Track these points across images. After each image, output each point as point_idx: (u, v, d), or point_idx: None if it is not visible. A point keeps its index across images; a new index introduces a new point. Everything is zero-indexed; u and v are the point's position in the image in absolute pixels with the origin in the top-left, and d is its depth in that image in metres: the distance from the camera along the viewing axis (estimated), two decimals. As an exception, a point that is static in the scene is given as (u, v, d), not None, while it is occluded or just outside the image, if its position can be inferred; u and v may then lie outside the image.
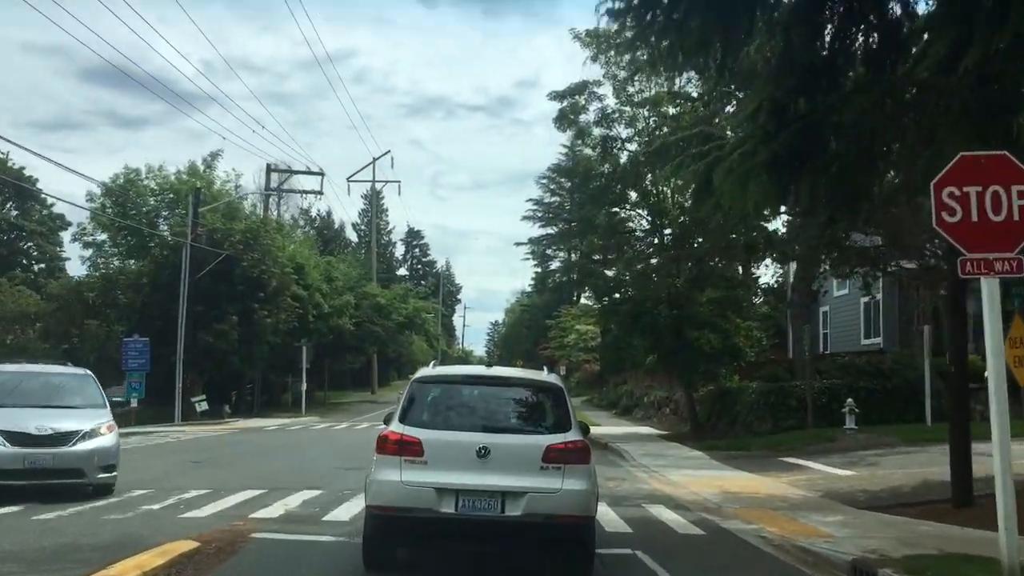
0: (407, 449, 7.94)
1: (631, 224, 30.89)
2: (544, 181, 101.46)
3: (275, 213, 59.82)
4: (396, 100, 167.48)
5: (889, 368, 26.02)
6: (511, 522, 7.84)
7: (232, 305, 37.40)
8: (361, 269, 67.69)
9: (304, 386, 42.59)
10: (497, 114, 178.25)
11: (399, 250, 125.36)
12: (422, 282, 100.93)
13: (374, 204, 70.52)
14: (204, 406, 37.18)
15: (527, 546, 8.29)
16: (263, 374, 46.47)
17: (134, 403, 35.29)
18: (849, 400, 23.74)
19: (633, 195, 30.48)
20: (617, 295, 30.59)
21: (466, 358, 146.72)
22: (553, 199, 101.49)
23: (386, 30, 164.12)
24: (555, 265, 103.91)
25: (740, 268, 30.92)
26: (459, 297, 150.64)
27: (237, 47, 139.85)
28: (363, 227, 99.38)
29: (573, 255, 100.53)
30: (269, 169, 45.60)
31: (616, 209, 30.70)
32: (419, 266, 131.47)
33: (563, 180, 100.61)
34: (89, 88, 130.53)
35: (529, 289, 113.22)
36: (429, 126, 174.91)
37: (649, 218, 30.63)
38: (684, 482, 16.83)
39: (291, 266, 40.54)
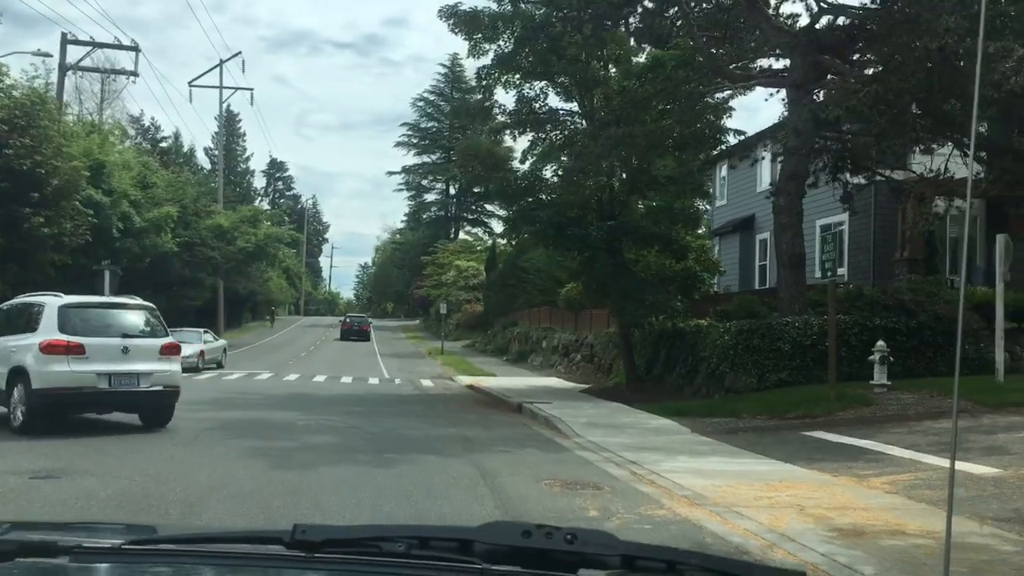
0: (73, 350, 11.85)
1: (550, 102, 22.27)
2: (420, 104, 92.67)
3: (90, 115, 48.34)
4: (258, 32, 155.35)
5: (913, 301, 18.57)
6: (144, 392, 12.58)
7: (-9, 208, 26.92)
8: (205, 190, 56.93)
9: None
10: (366, 53, 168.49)
11: (260, 181, 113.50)
12: (286, 219, 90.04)
13: (222, 112, 59.61)
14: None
15: (153, 404, 12.86)
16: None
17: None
18: (879, 344, 16.15)
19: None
20: (530, 199, 22.05)
21: (333, 300, 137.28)
22: (430, 124, 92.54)
23: None
24: (431, 197, 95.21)
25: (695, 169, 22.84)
26: (326, 237, 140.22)
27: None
28: (217, 152, 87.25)
29: (452, 187, 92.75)
30: (65, 40, 34.65)
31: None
32: (281, 200, 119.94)
33: (442, 103, 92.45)
34: None
35: (402, 225, 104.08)
36: (294, 62, 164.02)
37: (577, 95, 22.10)
38: (718, 494, 8.54)
39: (85, 163, 30.13)
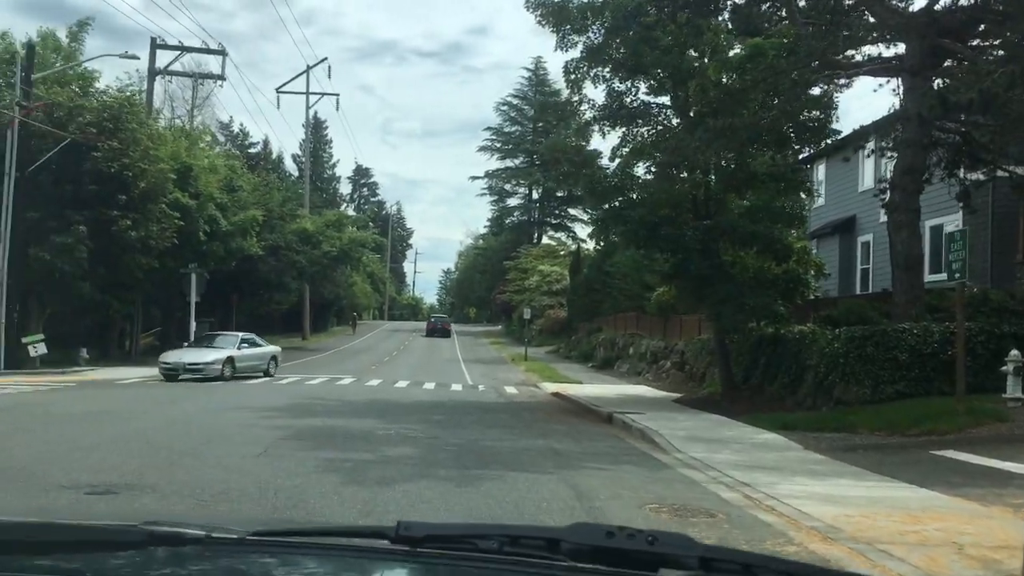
0: None
1: (642, 94, 21.09)
2: (504, 108, 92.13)
3: (180, 121, 48.99)
4: (345, 44, 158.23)
5: (1045, 305, 16.86)
6: None
7: (80, 211, 27.07)
8: (291, 195, 57.30)
9: (193, 326, 32.47)
10: (449, 61, 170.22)
11: (346, 188, 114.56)
12: (370, 224, 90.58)
13: (308, 117, 59.99)
14: (41, 349, 27.02)
15: None
16: (145, 309, 36.21)
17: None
18: (1013, 353, 14.56)
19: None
20: (621, 199, 20.90)
21: (416, 305, 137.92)
22: (513, 129, 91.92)
23: None
24: (514, 202, 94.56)
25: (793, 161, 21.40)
26: (410, 243, 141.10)
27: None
28: (304, 159, 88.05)
29: (535, 191, 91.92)
30: (154, 45, 34.92)
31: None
32: (367, 206, 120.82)
33: (525, 107, 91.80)
34: (25, 22, 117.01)
35: (484, 230, 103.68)
36: (379, 72, 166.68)
37: (670, 87, 20.88)
38: (854, 526, 7.31)
39: (172, 166, 30.17)
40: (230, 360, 26.48)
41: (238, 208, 35.15)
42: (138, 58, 27.20)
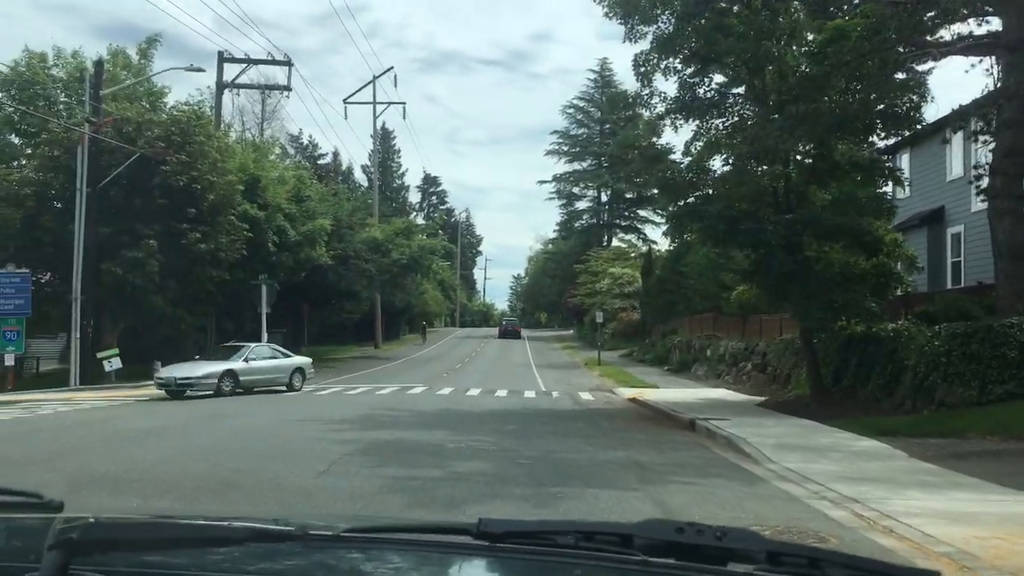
0: None
1: (716, 84, 20.11)
2: (570, 111, 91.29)
3: (250, 134, 49.38)
4: (410, 55, 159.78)
5: None
6: None
7: (151, 225, 27.14)
8: (361, 204, 57.40)
9: (265, 337, 32.40)
10: (513, 68, 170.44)
11: (414, 196, 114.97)
12: (440, 231, 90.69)
13: (375, 126, 60.17)
14: (115, 364, 27.14)
15: None
16: (217, 322, 36.33)
17: (9, 360, 25.32)
18: None
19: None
20: (696, 195, 19.93)
21: (487, 312, 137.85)
22: (580, 131, 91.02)
23: None
24: (583, 205, 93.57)
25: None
26: (480, 249, 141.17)
27: (248, 4, 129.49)
28: (372, 168, 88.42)
29: (603, 194, 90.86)
30: (221, 59, 35.05)
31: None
32: (436, 214, 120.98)
33: (592, 109, 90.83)
34: (98, 43, 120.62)
35: (554, 235, 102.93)
36: (444, 81, 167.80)
37: (745, 76, 19.87)
38: (991, 552, 6.32)
39: (240, 178, 30.13)
40: (230, 374, 23.90)
41: (306, 218, 35.04)
42: (203, 70, 27.29)
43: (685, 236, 21.40)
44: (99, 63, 27.44)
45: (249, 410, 18.84)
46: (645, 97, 20.46)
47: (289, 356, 27.04)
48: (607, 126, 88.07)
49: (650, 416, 19.35)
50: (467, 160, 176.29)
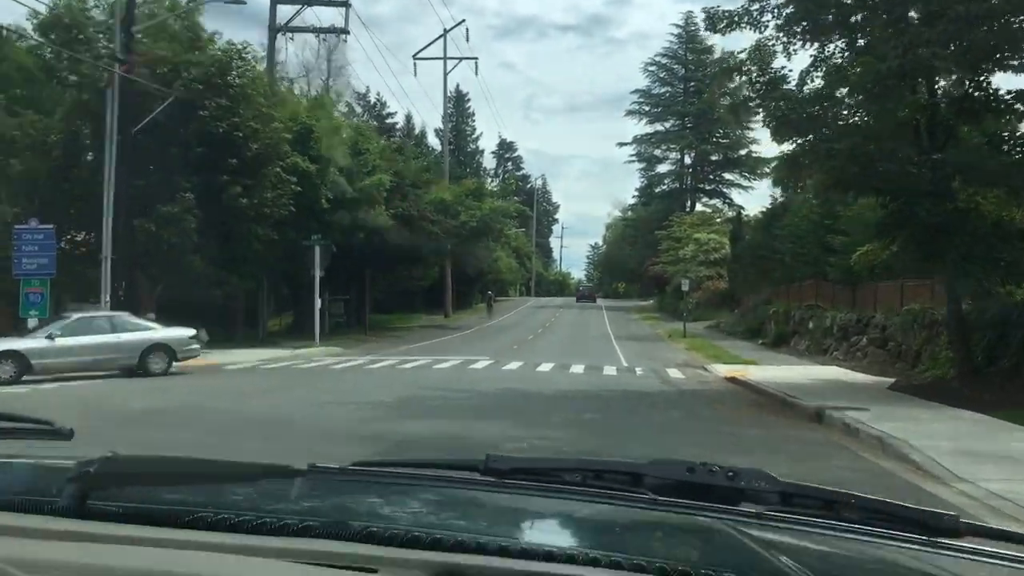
0: None
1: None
2: (652, 69, 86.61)
3: (307, 89, 46.59)
4: (486, 22, 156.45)
5: None
6: None
7: (188, 177, 24.42)
8: (432, 166, 54.44)
9: (318, 303, 29.67)
10: (590, 33, 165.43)
11: (489, 162, 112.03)
12: (515, 198, 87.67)
13: (445, 82, 57.08)
14: (153, 331, 24.53)
15: None
16: (272, 285, 33.71)
17: (33, 324, 22.90)
18: None
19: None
20: (824, 131, 16.08)
21: (563, 281, 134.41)
22: (663, 90, 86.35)
23: None
24: (664, 168, 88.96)
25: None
26: (556, 218, 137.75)
27: None
28: (444, 129, 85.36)
29: (687, 156, 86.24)
30: (274, 1, 32.15)
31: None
32: (511, 181, 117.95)
33: (675, 67, 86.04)
34: None
35: (633, 201, 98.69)
36: (520, 48, 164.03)
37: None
38: None
39: (288, 126, 27.20)
40: (14, 356, 18.25)
41: (365, 174, 32.00)
42: (244, 2, 24.31)
43: (801, 184, 17.64)
44: (129, -6, 24.65)
45: (273, 387, 15.93)
46: (755, 13, 16.68)
47: (150, 328, 20.65)
48: (692, 84, 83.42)
49: (759, 402, 15.77)
50: (543, 128, 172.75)
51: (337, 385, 16.64)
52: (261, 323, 33.19)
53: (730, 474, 1.46)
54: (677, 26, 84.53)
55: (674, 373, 22.23)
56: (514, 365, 23.29)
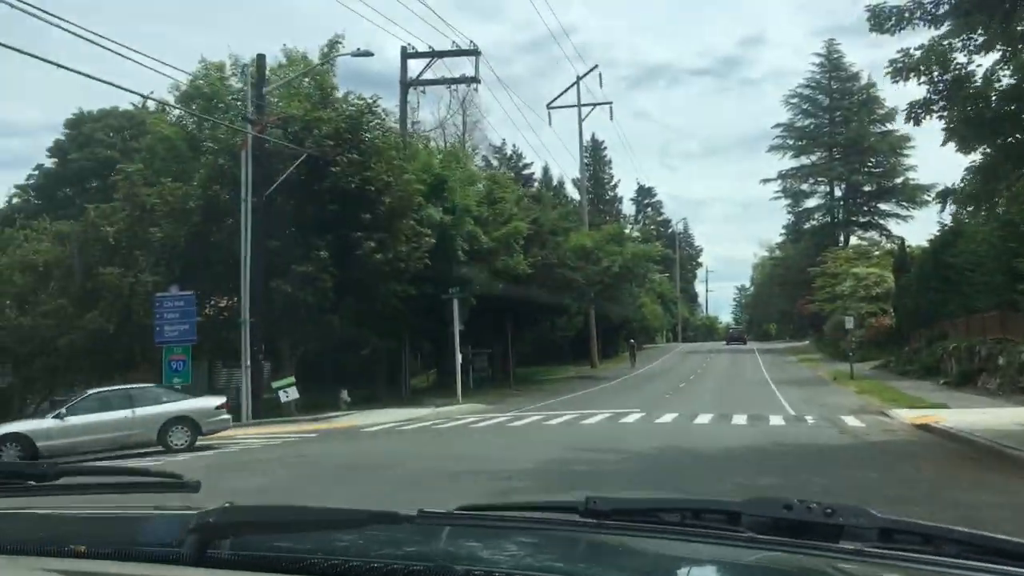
0: None
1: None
2: (794, 101, 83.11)
3: (442, 145, 46.41)
4: (619, 72, 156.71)
5: None
6: None
7: (323, 236, 23.92)
8: (569, 211, 53.30)
9: (459, 358, 28.60)
10: (724, 76, 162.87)
11: (628, 209, 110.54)
12: (654, 237, 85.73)
13: (581, 130, 56.12)
14: (292, 394, 24.08)
15: None
16: (415, 343, 32.97)
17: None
18: None
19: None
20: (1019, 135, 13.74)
21: (710, 325, 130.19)
22: (807, 122, 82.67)
23: (601, 2, 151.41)
24: (812, 203, 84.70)
25: None
26: (699, 261, 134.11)
27: (462, 37, 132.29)
28: (581, 177, 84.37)
29: (837, 188, 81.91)
30: (405, 54, 31.88)
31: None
32: (652, 227, 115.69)
33: (819, 97, 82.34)
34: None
35: (780, 239, 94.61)
36: (653, 95, 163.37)
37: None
38: None
39: (421, 179, 26.47)
40: (18, 439, 17.09)
41: (500, 223, 30.94)
42: (371, 54, 23.80)
43: (998, 198, 15.17)
44: (260, 57, 24.66)
45: (396, 452, 14.64)
46: (928, 5, 14.58)
47: (176, 400, 19.09)
48: (838, 113, 79.58)
49: (967, 454, 13.34)
50: (680, 174, 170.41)
51: (475, 448, 15.22)
52: (404, 381, 32.40)
53: (828, 511, 1.46)
54: (819, 55, 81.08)
55: (851, 421, 19.75)
56: (668, 417, 21.35)
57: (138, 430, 18.11)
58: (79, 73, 18.17)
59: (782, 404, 25.80)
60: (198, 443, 18.32)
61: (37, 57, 16.71)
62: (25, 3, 15.12)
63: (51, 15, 15.90)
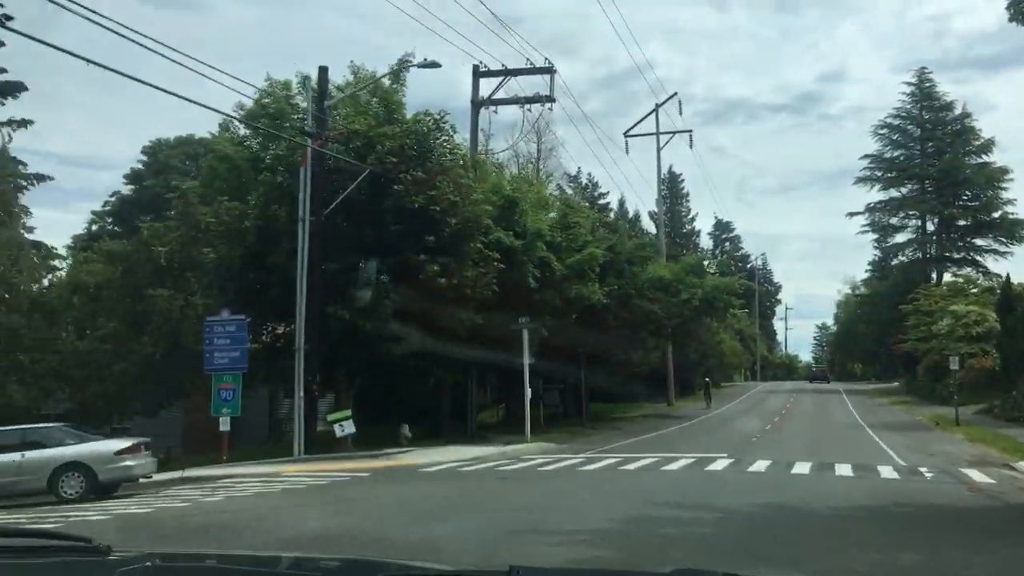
0: None
1: None
2: (883, 131, 79.52)
3: (516, 172, 44.84)
4: (696, 108, 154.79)
5: None
6: None
7: (384, 258, 22.33)
8: (647, 242, 51.21)
9: (528, 392, 26.66)
10: (802, 112, 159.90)
11: (705, 243, 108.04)
12: (733, 269, 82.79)
13: (659, 157, 54.10)
14: (348, 428, 22.42)
15: None
16: (478, 374, 31.14)
17: (224, 425, 21.27)
18: None
19: None
20: None
21: (790, 364, 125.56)
22: (897, 153, 78.94)
23: (680, 39, 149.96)
24: (902, 238, 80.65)
25: None
26: (779, 298, 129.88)
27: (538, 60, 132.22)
28: (658, 210, 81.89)
29: (929, 222, 77.85)
30: (477, 73, 30.44)
31: None
32: (730, 261, 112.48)
33: (910, 127, 78.65)
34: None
35: (865, 275, 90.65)
36: (731, 131, 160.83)
37: None
38: None
39: (490, 200, 24.78)
40: None
41: (574, 250, 29.04)
42: (439, 65, 22.31)
43: None
44: (323, 69, 23.33)
45: (442, 503, 12.72)
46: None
47: (75, 444, 17.02)
48: (930, 144, 75.88)
49: None
50: (758, 210, 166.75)
51: (539, 499, 13.18)
52: (469, 416, 30.54)
53: None
54: (909, 83, 77.54)
55: (976, 475, 17.17)
56: (761, 465, 18.98)
57: (26, 476, 16.38)
58: (157, 88, 16.87)
59: (887, 452, 23.14)
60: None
61: (123, 74, 15.42)
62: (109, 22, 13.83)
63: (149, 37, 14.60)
